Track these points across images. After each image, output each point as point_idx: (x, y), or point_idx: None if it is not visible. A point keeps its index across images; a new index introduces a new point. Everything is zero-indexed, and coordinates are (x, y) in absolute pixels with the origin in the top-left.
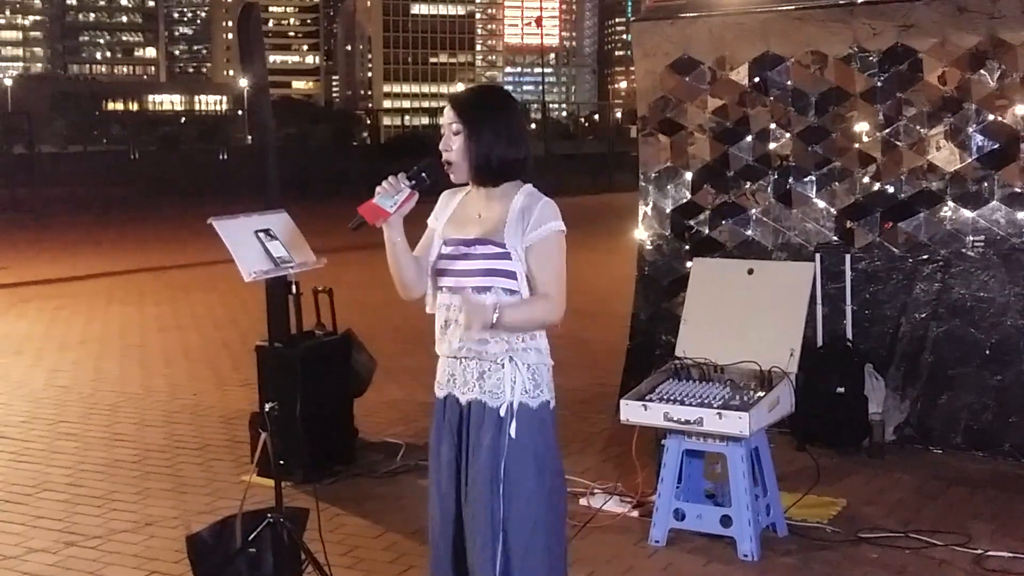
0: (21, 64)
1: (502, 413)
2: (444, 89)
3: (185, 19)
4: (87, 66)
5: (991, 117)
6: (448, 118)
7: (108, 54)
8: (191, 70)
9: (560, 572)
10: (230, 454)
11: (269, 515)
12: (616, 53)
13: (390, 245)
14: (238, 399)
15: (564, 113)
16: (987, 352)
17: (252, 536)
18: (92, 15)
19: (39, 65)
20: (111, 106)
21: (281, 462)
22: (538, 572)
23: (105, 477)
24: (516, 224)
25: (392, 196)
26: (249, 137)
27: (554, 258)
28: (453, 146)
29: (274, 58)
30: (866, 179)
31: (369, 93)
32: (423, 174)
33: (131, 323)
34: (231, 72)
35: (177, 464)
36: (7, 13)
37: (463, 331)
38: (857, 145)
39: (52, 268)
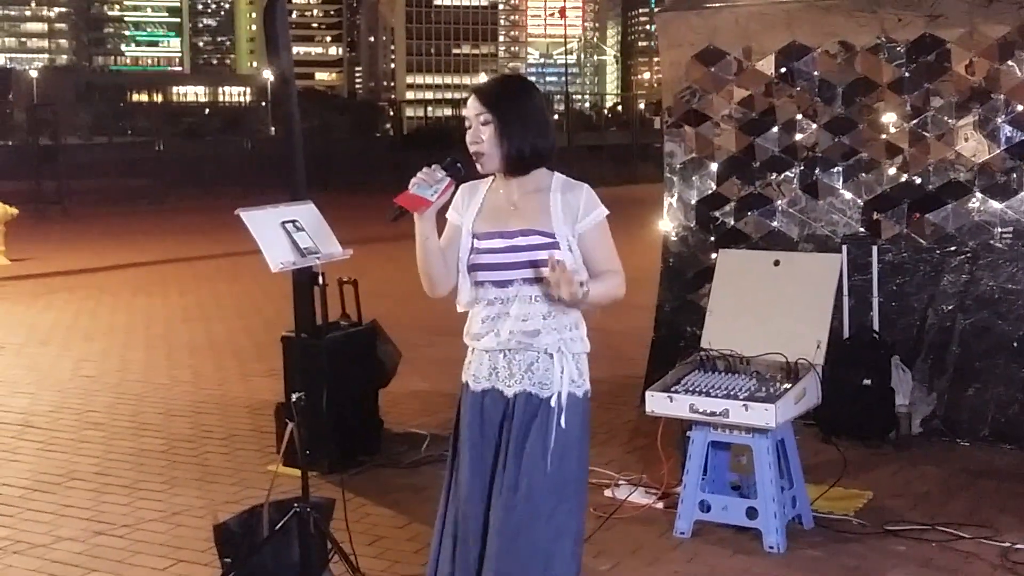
0: (47, 56)
1: (553, 403)
2: (467, 80)
3: (209, 10)
4: (112, 58)
5: (1020, 108)
6: (475, 109)
7: (132, 46)
8: (215, 62)
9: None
10: (256, 444)
11: (296, 505)
12: (639, 44)
13: (422, 239)
14: (263, 389)
15: (587, 104)
16: (1015, 344)
17: (279, 526)
18: (116, 7)
19: (64, 57)
20: (136, 97)
21: (307, 452)
22: (575, 557)
23: (133, 466)
24: (564, 213)
25: (431, 186)
26: (273, 128)
27: (609, 238)
28: (483, 137)
29: (297, 49)
30: (893, 170)
31: (392, 84)
32: (458, 164)
33: (156, 313)
34: (255, 63)
35: (204, 454)
36: (33, 5)
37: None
38: (884, 136)
39: (78, 259)
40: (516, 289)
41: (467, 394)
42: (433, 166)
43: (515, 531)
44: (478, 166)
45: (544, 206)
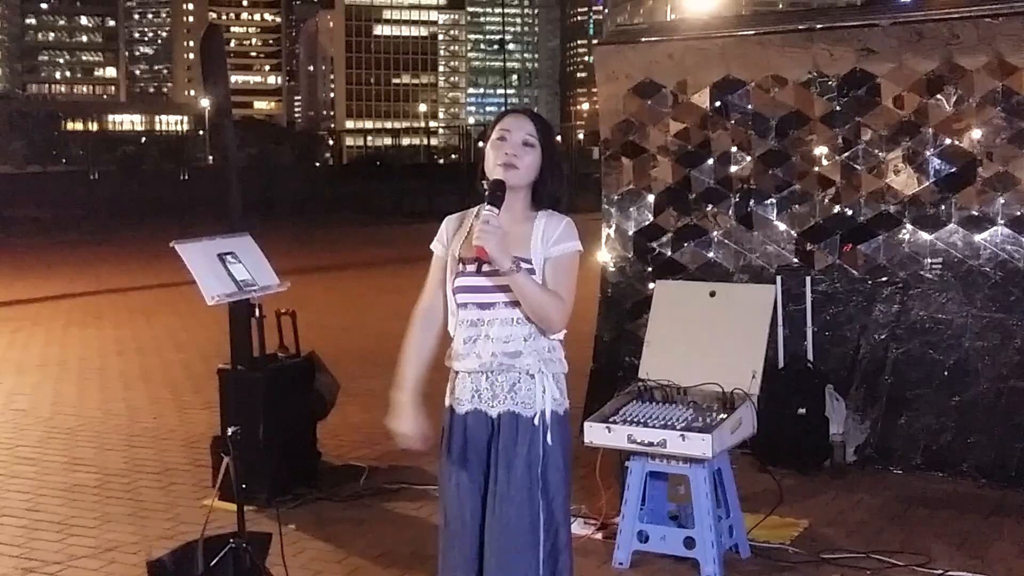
0: None
1: (536, 422)
2: (407, 110)
3: (146, 39)
4: (46, 86)
5: (948, 141)
6: (525, 128)
7: (68, 74)
8: (152, 90)
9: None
10: (191, 478)
11: (231, 540)
12: (578, 75)
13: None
14: (199, 422)
15: None
16: (946, 373)
17: (214, 561)
18: (52, 34)
19: None
20: (70, 126)
21: (244, 486)
22: (569, 565)
23: (64, 502)
24: (541, 240)
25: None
26: (210, 157)
27: (569, 273)
28: (526, 158)
29: (236, 78)
30: (826, 202)
31: (331, 113)
32: (498, 192)
33: (90, 346)
34: (192, 92)
35: (138, 488)
36: None
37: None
38: (817, 168)
39: (10, 290)
40: (497, 312)
41: (452, 418)
42: (487, 209)
43: (510, 545)
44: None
45: (527, 234)
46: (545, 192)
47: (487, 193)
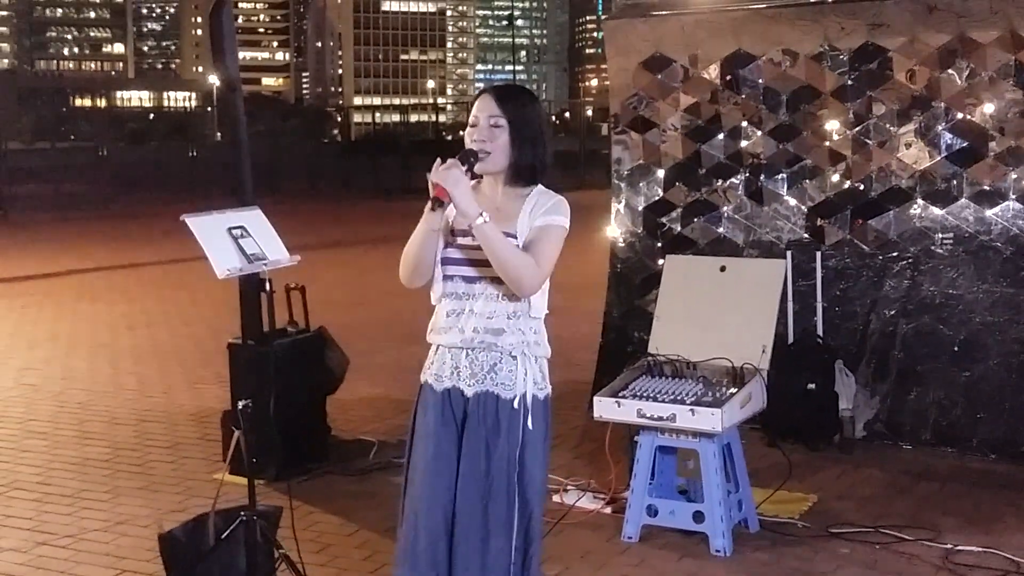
0: None
1: (516, 405)
2: (415, 86)
3: (154, 15)
4: (54, 62)
5: (960, 115)
6: (489, 110)
7: (76, 50)
8: (160, 66)
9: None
10: (202, 452)
11: (242, 513)
12: (587, 51)
13: (428, 229)
14: (209, 397)
15: None
16: (956, 348)
17: (225, 534)
18: (60, 11)
19: (6, 61)
20: (79, 102)
21: (254, 460)
22: (539, 551)
23: (76, 476)
24: (529, 215)
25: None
26: (219, 134)
27: (551, 242)
28: (498, 140)
29: (244, 54)
30: (836, 177)
31: (339, 90)
32: (471, 159)
33: (100, 321)
34: (200, 68)
35: (148, 462)
36: None
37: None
38: (827, 143)
39: (20, 265)
40: (483, 287)
41: (428, 394)
42: (450, 160)
43: (484, 527)
44: (478, 164)
45: (517, 210)
46: (518, 165)
47: (462, 156)
